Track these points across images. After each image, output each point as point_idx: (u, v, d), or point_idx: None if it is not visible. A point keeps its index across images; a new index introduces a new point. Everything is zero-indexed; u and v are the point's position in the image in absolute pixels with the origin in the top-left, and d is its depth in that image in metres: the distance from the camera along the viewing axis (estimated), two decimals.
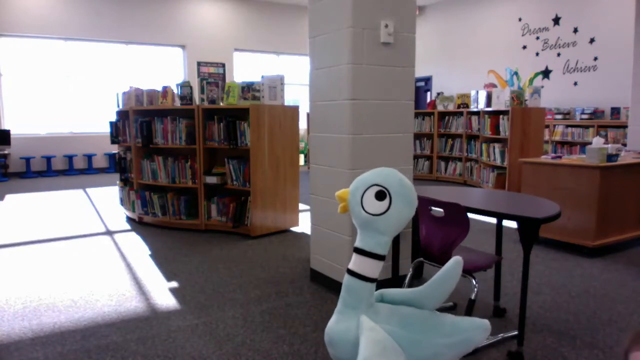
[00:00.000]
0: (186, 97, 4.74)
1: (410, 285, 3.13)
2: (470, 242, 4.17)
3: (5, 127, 9.44)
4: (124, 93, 5.45)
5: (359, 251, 1.65)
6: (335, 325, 1.64)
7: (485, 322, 1.66)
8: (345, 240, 2.93)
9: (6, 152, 9.18)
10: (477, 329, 1.64)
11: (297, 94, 12.32)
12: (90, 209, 5.96)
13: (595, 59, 8.69)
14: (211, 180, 4.59)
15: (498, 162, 6.66)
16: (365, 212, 1.61)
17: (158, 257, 3.88)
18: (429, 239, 2.38)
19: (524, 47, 9.94)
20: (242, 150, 4.49)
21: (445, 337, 1.61)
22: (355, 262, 1.65)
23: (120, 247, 4.21)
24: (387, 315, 1.64)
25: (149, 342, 2.41)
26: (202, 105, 4.58)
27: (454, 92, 9.68)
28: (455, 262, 1.70)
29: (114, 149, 9.48)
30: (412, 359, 1.57)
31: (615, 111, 8.12)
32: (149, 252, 4.03)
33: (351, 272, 1.65)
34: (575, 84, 9.04)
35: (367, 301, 1.63)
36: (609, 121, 8.12)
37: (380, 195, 1.60)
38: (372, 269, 1.64)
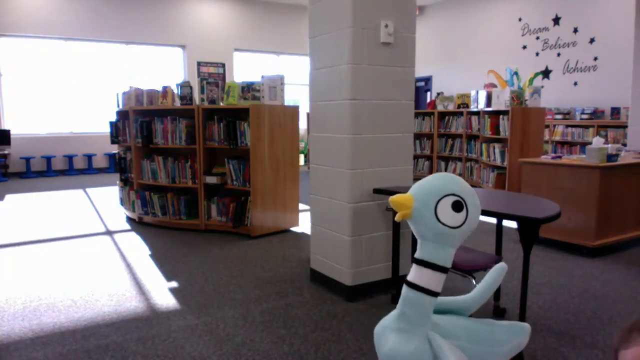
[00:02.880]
0: (186, 97, 4.73)
1: None
2: (470, 242, 4.17)
3: (5, 127, 9.44)
4: (124, 93, 5.45)
5: (426, 264, 1.51)
6: (404, 346, 1.48)
7: (527, 326, 1.69)
8: (345, 240, 2.93)
9: (6, 152, 9.18)
10: (524, 333, 1.66)
11: (297, 94, 12.32)
12: (90, 209, 5.95)
13: (595, 59, 8.69)
14: (211, 180, 4.59)
15: (498, 162, 6.66)
16: (442, 223, 1.46)
17: (158, 257, 3.88)
18: None
19: (524, 47, 9.94)
20: (242, 150, 4.49)
21: (501, 346, 1.60)
22: (421, 275, 1.51)
23: (120, 247, 4.21)
24: (450, 329, 1.55)
25: (149, 342, 2.41)
26: (202, 105, 4.58)
27: (454, 92, 9.67)
28: (502, 269, 1.65)
29: (114, 149, 9.45)
30: None
31: (615, 111, 8.11)
32: (149, 252, 4.03)
33: (414, 286, 1.51)
34: (575, 84, 9.04)
35: (429, 316, 1.53)
36: (609, 121, 8.12)
37: (458, 207, 1.46)
38: (438, 282, 1.51)
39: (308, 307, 2.84)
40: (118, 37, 10.31)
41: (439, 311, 1.65)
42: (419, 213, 1.48)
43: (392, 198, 1.50)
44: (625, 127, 7.48)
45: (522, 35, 9.98)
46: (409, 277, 1.54)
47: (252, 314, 2.74)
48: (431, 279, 1.50)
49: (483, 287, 1.65)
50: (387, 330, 1.55)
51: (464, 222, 1.46)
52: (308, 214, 3.56)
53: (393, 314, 1.57)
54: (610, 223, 3.87)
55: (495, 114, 6.75)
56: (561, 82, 9.28)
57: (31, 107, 9.80)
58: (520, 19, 10.02)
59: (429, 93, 12.36)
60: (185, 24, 11.03)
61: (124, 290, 3.14)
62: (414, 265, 1.53)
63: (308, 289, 3.14)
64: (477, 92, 7.41)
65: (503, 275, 1.66)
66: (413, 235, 3.14)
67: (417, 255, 1.53)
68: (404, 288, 1.54)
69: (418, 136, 8.62)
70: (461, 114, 7.98)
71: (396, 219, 1.54)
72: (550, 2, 9.40)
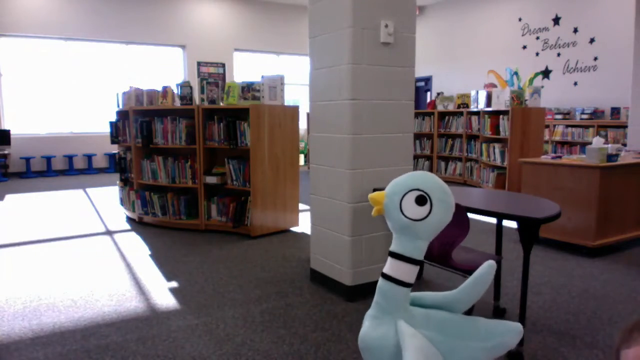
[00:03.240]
0: (186, 97, 4.74)
1: None
2: (470, 242, 4.17)
3: (5, 127, 9.44)
4: (124, 93, 5.45)
5: (396, 255, 1.60)
6: (372, 331, 1.59)
7: (519, 326, 1.67)
8: (345, 240, 2.93)
9: (6, 152, 9.18)
10: (511, 333, 1.65)
11: (297, 94, 12.33)
12: (90, 209, 5.95)
13: (595, 59, 8.69)
14: (211, 180, 4.59)
15: (498, 162, 6.66)
16: (405, 216, 1.56)
17: (158, 257, 3.88)
18: None
19: (524, 47, 9.94)
20: (242, 150, 4.49)
21: (481, 342, 1.61)
22: (392, 267, 1.61)
23: (120, 247, 4.21)
24: (424, 320, 1.62)
25: (149, 342, 2.41)
26: (202, 105, 4.58)
27: (454, 92, 9.67)
28: (489, 266, 1.68)
29: (114, 149, 9.47)
30: None
31: (615, 111, 8.11)
32: (149, 252, 4.03)
33: (387, 277, 1.61)
34: (575, 84, 9.04)
35: (403, 306, 1.60)
36: (609, 121, 8.12)
37: (421, 200, 1.55)
38: (409, 273, 1.60)
39: (308, 307, 2.84)
40: (118, 37, 10.31)
41: (423, 305, 1.70)
42: (387, 208, 1.59)
43: (369, 195, 1.62)
44: (625, 127, 7.48)
45: (522, 35, 9.98)
46: (384, 269, 1.63)
47: (252, 314, 2.74)
48: (402, 271, 1.59)
49: (468, 284, 1.68)
50: (365, 318, 1.66)
51: (427, 215, 1.55)
52: (308, 214, 3.56)
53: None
54: (610, 223, 3.87)
55: (495, 114, 6.75)
56: (561, 82, 9.28)
57: (31, 107, 9.80)
58: (520, 19, 10.02)
59: (429, 93, 12.36)
60: (185, 24, 11.03)
61: (124, 290, 3.14)
62: (389, 258, 1.63)
63: (308, 289, 3.14)
64: (477, 92, 7.41)
65: (492, 272, 1.68)
66: None
67: (390, 248, 1.63)
68: (380, 279, 1.63)
69: (418, 136, 8.62)
70: (461, 114, 7.98)
71: (372, 214, 1.66)
72: (550, 2, 9.40)
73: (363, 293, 2.94)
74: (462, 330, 1.61)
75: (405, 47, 2.98)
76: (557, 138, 8.75)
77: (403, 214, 1.56)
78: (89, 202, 6.45)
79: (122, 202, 5.61)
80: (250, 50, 12.01)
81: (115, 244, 4.32)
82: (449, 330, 1.60)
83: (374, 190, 2.88)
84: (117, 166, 5.64)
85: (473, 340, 1.60)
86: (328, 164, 3.05)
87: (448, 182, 8.40)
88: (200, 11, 11.21)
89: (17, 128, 9.56)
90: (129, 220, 5.29)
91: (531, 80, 8.18)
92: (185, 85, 4.74)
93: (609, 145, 4.03)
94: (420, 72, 12.19)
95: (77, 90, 10.16)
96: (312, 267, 3.29)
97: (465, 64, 11.34)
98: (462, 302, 1.70)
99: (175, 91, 4.87)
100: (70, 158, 9.88)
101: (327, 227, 3.09)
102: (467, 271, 2.27)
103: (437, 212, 1.56)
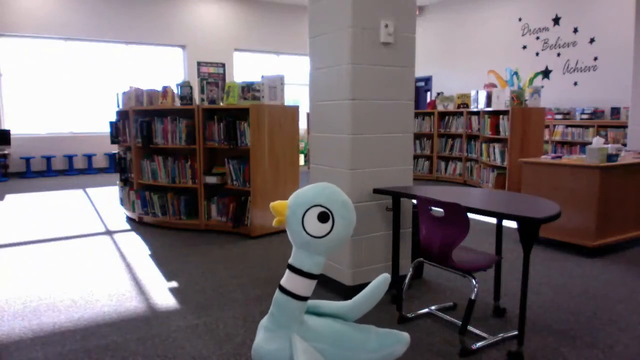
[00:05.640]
0: (186, 97, 4.74)
1: (409, 285, 3.13)
2: (470, 242, 4.17)
3: (5, 127, 9.44)
4: (124, 93, 5.45)
5: (294, 270, 1.61)
6: (266, 344, 1.60)
7: (406, 336, 1.74)
8: None
9: (6, 152, 9.18)
10: (399, 344, 1.72)
11: (297, 94, 12.33)
12: (90, 209, 5.96)
13: (595, 59, 8.69)
14: (211, 180, 4.59)
15: (498, 162, 6.66)
16: (306, 233, 1.56)
17: (158, 257, 3.88)
18: (429, 239, 2.38)
19: (524, 47, 9.94)
20: (242, 150, 4.49)
21: (371, 353, 1.66)
22: (289, 280, 1.61)
23: (120, 247, 4.21)
24: (317, 332, 1.63)
25: (149, 342, 2.41)
26: (202, 105, 4.58)
27: (454, 92, 9.68)
28: (384, 278, 1.76)
29: (114, 149, 9.48)
30: None
31: (615, 111, 8.11)
32: (149, 252, 4.03)
33: (283, 290, 1.61)
34: (575, 84, 9.04)
35: (298, 319, 1.61)
36: (609, 121, 8.12)
37: (324, 217, 1.55)
38: (306, 288, 1.61)
39: None
40: (118, 37, 10.31)
41: (319, 314, 1.73)
42: (289, 221, 1.59)
43: (271, 204, 1.62)
44: (625, 127, 7.48)
45: (522, 35, 9.98)
46: (281, 281, 1.63)
47: (252, 314, 2.74)
48: (299, 284, 1.59)
49: (363, 295, 1.75)
50: (260, 328, 1.67)
51: (329, 232, 1.55)
52: None
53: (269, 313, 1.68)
54: (610, 223, 3.87)
55: (495, 114, 6.76)
56: (561, 82, 9.28)
57: (31, 107, 9.80)
58: (520, 19, 10.02)
59: (429, 93, 12.36)
60: (185, 24, 11.03)
61: (124, 290, 3.14)
62: (287, 271, 1.63)
63: None
64: (477, 92, 7.41)
65: (386, 285, 1.74)
66: (413, 236, 3.15)
67: (289, 260, 1.63)
68: (277, 290, 1.63)
69: (418, 136, 8.62)
70: (461, 114, 7.99)
71: (273, 224, 1.65)
72: (550, 2, 9.40)
73: None
74: (354, 341, 1.66)
75: (405, 47, 2.98)
76: (557, 138, 8.75)
77: (305, 229, 1.55)
78: (89, 202, 6.45)
79: (122, 202, 5.61)
80: (250, 50, 12.01)
81: (115, 244, 4.32)
82: (341, 343, 1.63)
83: (374, 191, 2.88)
84: (117, 166, 5.64)
85: (364, 352, 1.66)
86: (328, 164, 3.05)
87: (448, 182, 8.40)
88: (200, 11, 11.21)
89: (17, 128, 9.56)
90: (129, 220, 5.29)
91: (531, 80, 8.19)
92: (185, 85, 4.74)
93: (609, 145, 4.03)
94: (420, 72, 12.19)
95: (77, 90, 10.16)
96: None
97: (465, 64, 11.34)
98: (355, 311, 1.76)
99: (175, 91, 4.87)
100: (70, 158, 9.88)
101: None
102: (467, 271, 2.27)
103: (338, 229, 1.56)
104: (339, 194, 1.60)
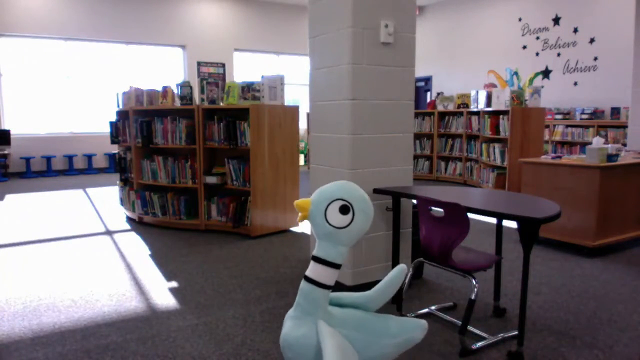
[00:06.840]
0: (186, 97, 4.74)
1: (410, 285, 3.13)
2: (470, 242, 4.17)
3: (5, 127, 9.44)
4: (124, 93, 5.45)
5: (319, 260, 1.72)
6: (294, 331, 1.70)
7: (424, 322, 1.84)
8: None
9: (6, 152, 9.18)
10: (418, 329, 1.81)
11: (297, 94, 12.33)
12: (90, 209, 5.96)
13: (595, 59, 8.69)
14: (211, 180, 4.59)
15: (498, 162, 6.66)
16: (329, 224, 1.68)
17: (158, 257, 3.88)
18: (429, 239, 2.38)
19: (524, 47, 9.94)
20: (242, 150, 4.49)
21: (392, 338, 1.77)
22: (314, 270, 1.73)
23: (120, 247, 4.21)
24: (341, 319, 1.76)
25: (149, 342, 2.41)
26: (202, 105, 4.58)
27: (454, 92, 9.68)
28: (400, 270, 1.86)
29: (114, 149, 9.48)
30: (364, 359, 1.72)
31: (615, 111, 8.12)
32: (149, 252, 4.03)
33: (309, 279, 1.73)
34: (575, 84, 9.04)
35: (323, 307, 1.73)
36: (609, 121, 8.12)
37: (345, 210, 1.68)
38: (330, 277, 1.74)
39: None
40: (118, 37, 10.31)
41: (341, 305, 1.86)
42: (313, 215, 1.71)
43: (295, 202, 1.73)
44: (625, 127, 7.48)
45: (522, 35, 9.98)
46: (307, 272, 1.74)
47: (252, 314, 2.74)
48: (323, 274, 1.72)
49: (382, 285, 1.86)
50: (286, 319, 1.77)
51: (349, 224, 1.68)
52: None
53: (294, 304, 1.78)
54: (610, 223, 3.87)
55: (495, 114, 6.76)
56: (561, 82, 9.28)
57: (31, 107, 9.80)
58: (520, 19, 10.02)
59: (429, 93, 12.36)
60: (185, 24, 11.03)
61: (124, 290, 3.14)
62: (311, 262, 1.74)
63: None
64: (477, 92, 7.41)
65: (403, 275, 1.86)
66: (413, 236, 3.15)
67: (313, 252, 1.74)
68: (302, 281, 1.74)
69: (418, 136, 8.62)
70: (461, 114, 7.99)
71: (297, 220, 1.79)
72: (550, 2, 9.40)
73: None
74: (376, 327, 1.77)
75: (405, 47, 2.98)
76: (557, 138, 8.75)
77: (327, 221, 1.68)
78: (89, 202, 6.45)
79: (122, 202, 5.61)
80: (250, 50, 12.01)
81: (115, 244, 4.32)
82: (364, 329, 1.76)
83: (374, 191, 2.88)
84: (117, 166, 5.64)
85: (385, 337, 1.77)
86: (328, 164, 3.05)
87: (448, 182, 8.40)
88: (200, 11, 11.21)
89: (17, 128, 9.56)
90: (129, 220, 5.29)
91: (531, 80, 8.19)
92: (185, 85, 4.74)
93: (609, 145, 4.03)
94: (420, 72, 12.19)
95: (77, 90, 10.16)
96: None
97: (465, 64, 11.34)
98: (375, 302, 1.87)
99: (175, 91, 4.87)
100: (70, 158, 9.88)
101: None
102: (467, 271, 2.27)
103: (358, 221, 1.70)
104: (358, 190, 1.75)
